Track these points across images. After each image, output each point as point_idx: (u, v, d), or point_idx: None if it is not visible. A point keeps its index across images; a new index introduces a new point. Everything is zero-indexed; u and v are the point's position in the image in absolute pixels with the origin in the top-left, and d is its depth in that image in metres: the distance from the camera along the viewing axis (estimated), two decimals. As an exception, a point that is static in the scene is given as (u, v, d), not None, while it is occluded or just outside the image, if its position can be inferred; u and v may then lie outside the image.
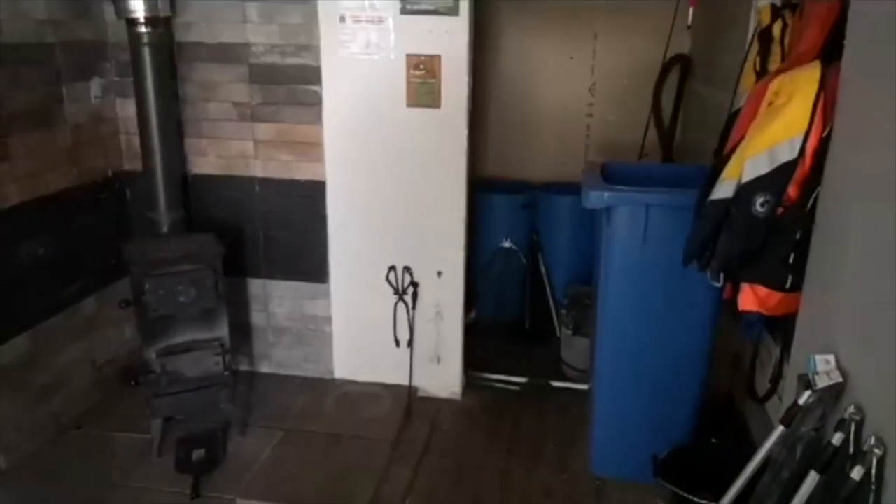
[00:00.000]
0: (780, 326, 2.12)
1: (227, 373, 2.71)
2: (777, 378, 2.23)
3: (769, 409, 2.35)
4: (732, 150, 1.91)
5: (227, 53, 2.87)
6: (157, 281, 2.50)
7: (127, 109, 2.95)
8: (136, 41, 2.68)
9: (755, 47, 2.29)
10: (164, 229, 2.85)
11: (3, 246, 2.47)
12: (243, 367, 3.27)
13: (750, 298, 1.85)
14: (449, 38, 2.74)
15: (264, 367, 3.30)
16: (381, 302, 3.11)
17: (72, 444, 2.74)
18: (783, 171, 1.69)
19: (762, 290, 1.82)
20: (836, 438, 1.35)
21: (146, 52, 2.68)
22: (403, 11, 2.72)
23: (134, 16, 2.63)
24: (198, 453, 2.58)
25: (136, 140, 2.88)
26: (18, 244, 2.54)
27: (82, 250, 2.85)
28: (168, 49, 2.81)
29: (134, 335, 3.04)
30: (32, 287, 2.62)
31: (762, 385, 2.38)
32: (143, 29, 2.66)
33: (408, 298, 3.09)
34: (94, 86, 2.87)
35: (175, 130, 2.91)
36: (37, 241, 2.62)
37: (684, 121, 3.90)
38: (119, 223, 3.06)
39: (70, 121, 2.75)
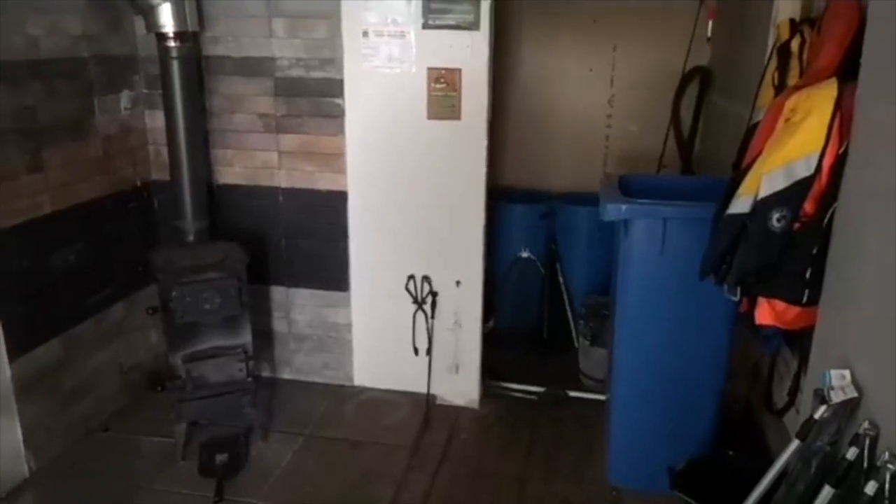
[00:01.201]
0: (798, 340, 2.13)
1: (249, 379, 2.77)
2: (794, 391, 2.24)
3: (787, 421, 2.35)
4: (750, 165, 1.93)
5: (253, 67, 2.94)
6: (183, 288, 2.57)
7: (155, 121, 3.03)
8: (165, 55, 2.76)
9: (773, 62, 2.32)
10: (191, 238, 2.93)
11: (36, 253, 2.55)
12: (265, 373, 3.33)
13: (767, 312, 1.87)
14: (469, 52, 2.78)
15: (285, 374, 3.36)
16: (400, 310, 3.15)
17: (99, 446, 2.81)
18: (800, 187, 1.71)
19: (779, 305, 1.83)
20: (851, 453, 1.36)
21: (175, 66, 2.76)
22: (425, 26, 2.77)
23: (163, 30, 2.72)
24: (221, 457, 2.63)
25: (165, 151, 2.96)
26: (51, 252, 2.62)
27: (111, 258, 2.93)
28: (196, 62, 2.89)
29: (159, 341, 3.12)
30: (64, 293, 2.69)
31: (780, 398, 2.39)
32: (172, 43, 2.74)
33: (427, 307, 3.13)
34: (124, 98, 2.96)
35: (202, 141, 2.98)
36: (68, 249, 2.70)
37: (703, 133, 3.91)
38: (147, 231, 3.14)
39: (101, 132, 2.83)
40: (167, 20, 2.69)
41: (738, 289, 1.90)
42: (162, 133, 2.95)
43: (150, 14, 2.69)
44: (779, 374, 2.45)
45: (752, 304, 1.95)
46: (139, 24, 2.90)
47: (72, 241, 2.72)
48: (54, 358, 2.66)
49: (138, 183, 3.09)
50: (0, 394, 2.44)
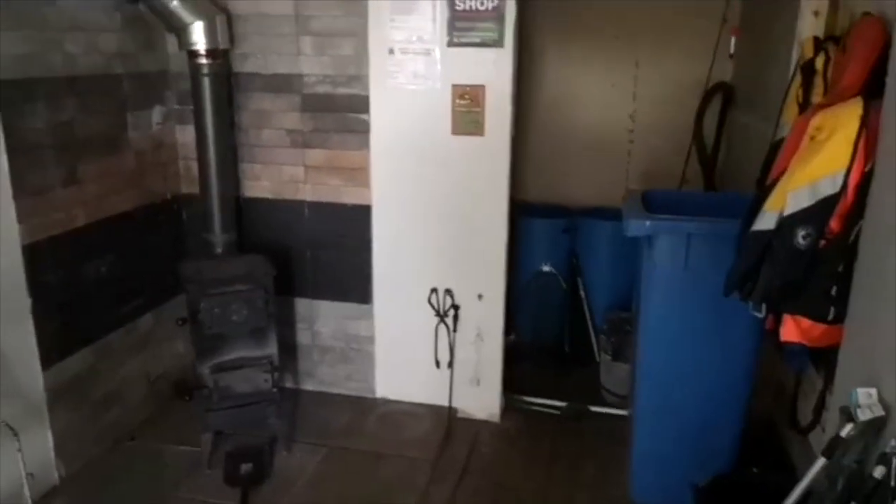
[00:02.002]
0: (824, 357, 2.12)
1: (275, 390, 2.81)
2: (820, 409, 2.23)
3: (812, 439, 2.34)
4: (775, 182, 1.94)
5: (281, 83, 3.01)
6: (212, 300, 2.62)
7: (186, 136, 3.11)
8: (196, 72, 2.83)
9: (798, 79, 2.32)
10: (219, 250, 2.99)
11: (70, 265, 2.62)
12: (288, 384, 3.37)
13: (792, 329, 1.87)
14: (493, 69, 2.82)
15: (309, 385, 3.40)
16: (422, 323, 3.18)
17: (126, 454, 2.86)
18: (825, 205, 1.71)
19: (805, 322, 1.83)
20: (878, 472, 1.36)
21: (206, 82, 2.83)
22: (450, 44, 2.82)
23: (195, 48, 2.79)
24: (246, 467, 2.67)
25: (194, 165, 3.03)
26: (84, 263, 2.69)
27: (141, 269, 3.00)
28: (226, 79, 2.96)
29: (186, 351, 3.17)
30: (95, 304, 2.76)
31: (805, 415, 2.37)
32: (203, 60, 2.81)
33: (449, 320, 3.15)
34: (156, 113, 3.04)
35: (231, 156, 3.05)
36: (100, 260, 2.77)
37: (726, 148, 3.91)
38: (176, 243, 3.21)
39: (134, 146, 2.91)
40: (199, 38, 2.77)
41: (764, 305, 1.90)
42: (192, 148, 3.02)
43: (182, 32, 2.77)
44: (804, 391, 2.44)
45: (778, 321, 1.95)
46: (171, 42, 2.98)
47: (104, 253, 2.78)
48: (85, 367, 2.73)
49: (168, 196, 3.16)
50: (33, 402, 2.50)
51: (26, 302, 2.43)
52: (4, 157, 2.30)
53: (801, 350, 1.97)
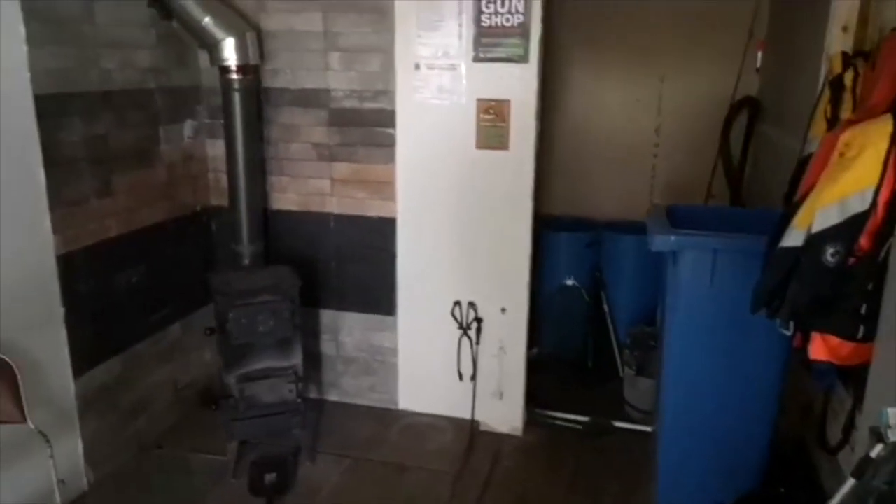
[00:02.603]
0: (853, 376, 2.09)
1: (299, 400, 2.84)
2: (849, 428, 2.20)
3: (841, 459, 2.30)
4: (803, 198, 1.93)
5: (309, 98, 3.06)
6: (239, 311, 2.66)
7: (216, 149, 3.17)
8: (227, 87, 2.89)
9: (826, 94, 2.31)
10: (246, 261, 3.04)
11: (102, 274, 2.68)
12: (312, 394, 3.39)
13: (821, 348, 1.85)
14: (518, 84, 2.84)
15: (333, 396, 3.42)
16: (445, 336, 3.19)
17: (153, 462, 2.90)
18: (854, 223, 1.70)
19: (833, 340, 1.81)
20: (910, 494, 1.34)
21: (236, 97, 2.89)
22: (476, 59, 2.85)
23: (226, 64, 2.86)
24: (270, 477, 2.69)
25: (223, 178, 3.09)
26: (116, 273, 2.75)
27: (171, 279, 3.06)
28: (256, 94, 3.02)
29: (213, 360, 3.22)
30: (126, 313, 2.82)
31: (834, 435, 2.34)
32: (234, 76, 2.87)
33: (472, 333, 3.16)
34: (188, 127, 3.11)
35: (259, 169, 3.10)
36: (131, 271, 2.83)
37: (753, 163, 3.89)
38: (204, 254, 3.27)
39: (165, 159, 2.97)
40: (230, 54, 2.83)
41: (791, 323, 1.89)
42: (222, 161, 3.08)
43: (214, 49, 2.84)
44: (833, 410, 2.40)
45: (806, 339, 1.93)
46: (203, 58, 3.05)
47: (135, 263, 2.84)
48: (114, 375, 2.78)
49: (198, 208, 3.22)
50: (64, 409, 2.55)
51: (59, 311, 2.49)
52: (41, 170, 2.37)
53: (829, 369, 1.95)
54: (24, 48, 2.26)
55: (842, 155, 1.79)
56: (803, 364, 2.05)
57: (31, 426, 2.04)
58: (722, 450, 2.45)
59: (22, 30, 2.25)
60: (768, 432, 2.43)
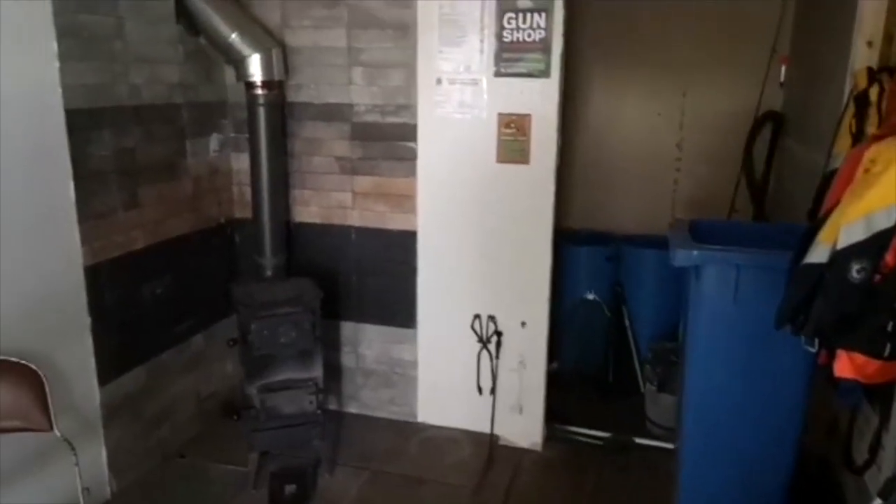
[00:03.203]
0: (879, 394, 2.06)
1: (319, 412, 2.85)
2: (875, 448, 2.16)
3: (868, 479, 2.26)
4: (828, 214, 1.91)
5: (332, 112, 3.10)
6: (262, 322, 2.69)
7: (241, 162, 3.22)
8: (252, 102, 2.95)
9: (851, 109, 2.30)
10: (268, 273, 3.07)
11: (128, 285, 2.73)
12: (332, 406, 3.41)
13: (846, 365, 1.82)
14: (540, 99, 2.86)
15: (352, 408, 3.43)
16: (465, 349, 3.19)
17: (176, 471, 2.93)
18: (880, 239, 1.68)
19: (859, 358, 1.78)
20: (939, 516, 1.32)
21: (261, 112, 2.94)
22: (497, 74, 2.87)
23: (252, 79, 2.91)
24: (290, 488, 2.71)
25: (247, 190, 3.14)
26: (141, 284, 2.80)
27: (195, 290, 3.10)
28: (280, 109, 3.07)
29: (235, 371, 3.25)
30: (151, 323, 2.86)
31: (860, 453, 2.29)
32: (259, 91, 2.92)
33: (491, 347, 3.16)
34: (213, 141, 3.16)
35: (282, 182, 3.14)
36: (157, 282, 2.87)
37: (776, 178, 3.85)
38: (228, 266, 3.31)
39: (191, 173, 3.03)
40: (256, 70, 2.88)
41: (816, 340, 1.86)
42: (246, 174, 3.13)
43: (240, 64, 2.89)
44: (859, 429, 2.36)
45: (831, 356, 1.90)
46: (229, 74, 3.11)
47: (160, 275, 2.89)
48: (139, 385, 2.81)
49: (222, 220, 3.27)
50: (89, 418, 2.59)
51: (86, 321, 2.54)
52: (71, 183, 2.42)
53: (855, 387, 1.92)
54: (57, 64, 2.33)
55: (867, 171, 1.77)
56: (828, 382, 2.02)
57: (58, 434, 2.08)
58: (745, 468, 2.42)
59: (54, 46, 2.31)
60: (792, 451, 2.39)
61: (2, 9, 2.13)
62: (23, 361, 2.06)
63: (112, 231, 2.62)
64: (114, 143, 2.60)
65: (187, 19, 2.87)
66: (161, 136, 2.85)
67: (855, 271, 1.70)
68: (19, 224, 2.26)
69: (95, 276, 2.54)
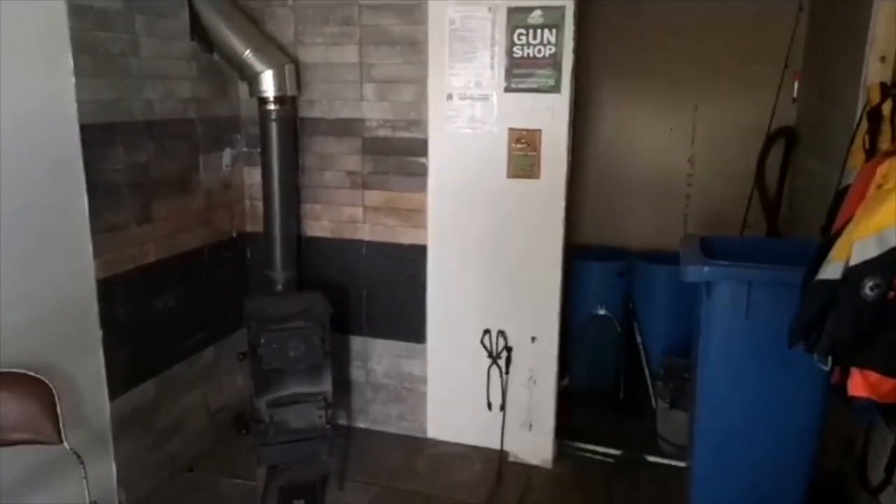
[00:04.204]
0: (894, 413, 2.02)
1: (328, 426, 2.84)
2: (891, 467, 2.12)
3: (883, 499, 2.22)
4: (841, 230, 1.89)
5: (343, 128, 3.13)
6: (271, 336, 2.69)
7: (253, 177, 3.25)
8: (265, 117, 2.97)
9: (864, 125, 2.28)
10: (279, 287, 3.08)
11: (140, 299, 2.74)
12: (342, 420, 3.40)
13: (860, 384, 1.79)
14: (550, 114, 2.86)
15: (361, 423, 3.42)
16: (475, 364, 3.18)
17: (185, 485, 2.93)
18: (893, 255, 1.66)
19: (873, 376, 1.76)
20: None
21: (273, 127, 2.97)
22: (507, 90, 2.88)
23: (265, 95, 2.94)
24: (298, 503, 2.69)
25: (259, 204, 3.16)
26: (153, 297, 2.81)
27: (206, 304, 3.11)
28: (292, 124, 3.09)
29: (244, 384, 3.26)
30: (161, 336, 2.87)
31: (876, 473, 2.25)
32: (272, 106, 2.95)
33: (501, 362, 3.14)
34: (226, 156, 3.19)
35: (294, 197, 3.16)
36: (168, 295, 2.89)
37: (790, 194, 3.82)
38: (239, 279, 3.33)
39: (204, 187, 3.05)
40: (269, 86, 2.91)
41: (830, 358, 1.84)
42: (258, 188, 3.15)
43: (254, 80, 2.92)
44: (874, 448, 2.32)
45: (845, 375, 1.87)
46: (243, 89, 3.14)
47: (172, 288, 2.90)
48: (149, 398, 2.82)
49: (234, 234, 3.29)
50: (99, 431, 2.60)
51: (97, 334, 2.55)
52: (84, 197, 2.45)
53: (869, 405, 1.89)
54: (72, 80, 2.36)
55: (879, 187, 1.75)
56: (843, 400, 1.99)
57: (67, 447, 2.08)
58: (759, 488, 2.38)
59: (70, 62, 2.34)
60: (807, 470, 2.36)
61: (20, 25, 2.17)
62: (34, 374, 2.07)
63: (125, 244, 2.64)
64: (127, 157, 2.63)
65: (201, 36, 2.90)
66: (174, 151, 2.88)
67: (868, 288, 1.69)
68: (33, 236, 2.28)
69: (108, 289, 2.56)
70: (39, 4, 2.24)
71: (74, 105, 2.37)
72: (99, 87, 2.47)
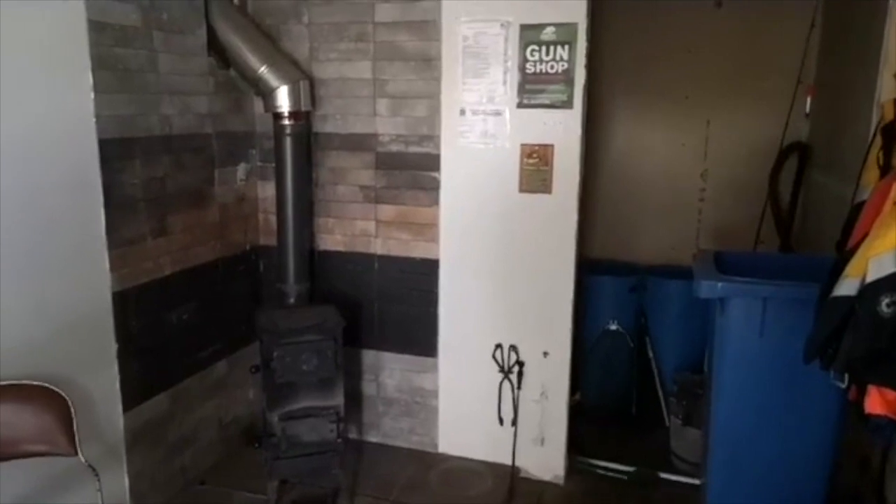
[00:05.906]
0: (913, 432, 2.00)
1: (339, 440, 2.84)
2: (911, 488, 2.09)
3: (902, 521, 2.19)
4: (856, 246, 1.88)
5: (357, 142, 3.15)
6: (284, 349, 2.70)
7: (266, 191, 3.27)
8: (280, 132, 3.00)
9: (878, 141, 2.27)
10: (292, 300, 3.10)
11: (155, 312, 2.76)
12: (353, 434, 3.40)
13: (877, 401, 1.78)
14: (562, 129, 2.87)
15: (372, 437, 3.42)
16: (486, 379, 3.17)
17: (196, 498, 2.93)
18: (910, 273, 1.65)
19: (890, 394, 1.74)
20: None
21: (288, 142, 3.00)
22: (520, 105, 2.90)
23: (280, 110, 2.97)
24: (309, 517, 2.70)
25: (273, 218, 3.18)
26: (168, 310, 2.83)
27: (219, 317, 3.13)
28: (306, 138, 3.12)
29: (256, 397, 3.26)
30: (176, 349, 2.89)
31: (893, 492, 2.23)
32: (286, 121, 2.98)
33: (513, 377, 3.14)
34: (241, 170, 3.22)
35: (307, 210, 3.19)
36: (183, 308, 2.90)
37: (803, 209, 3.81)
38: (252, 293, 3.34)
39: (218, 200, 3.08)
40: (283, 101, 2.94)
41: (846, 375, 1.82)
42: (272, 202, 3.17)
43: (269, 96, 2.96)
44: (891, 466, 2.29)
45: (862, 392, 1.86)
46: (258, 104, 3.18)
47: (186, 301, 2.92)
48: (162, 411, 2.83)
49: (248, 247, 3.31)
50: (112, 444, 2.60)
51: (112, 347, 2.56)
52: (102, 211, 2.47)
53: (886, 424, 1.87)
54: (92, 95, 2.39)
55: (895, 203, 1.75)
56: (859, 417, 1.97)
57: (82, 459, 2.10)
58: (774, 506, 2.36)
59: (90, 78, 2.38)
60: (823, 489, 2.33)
61: (40, 42, 2.21)
62: (50, 386, 2.08)
63: (141, 258, 2.67)
64: (144, 171, 2.66)
65: (218, 53, 2.95)
66: (190, 165, 2.91)
67: (885, 305, 1.68)
68: (51, 250, 2.30)
69: (123, 302, 2.58)
70: (60, 21, 2.27)
71: (93, 120, 2.40)
72: (118, 102, 2.51)
